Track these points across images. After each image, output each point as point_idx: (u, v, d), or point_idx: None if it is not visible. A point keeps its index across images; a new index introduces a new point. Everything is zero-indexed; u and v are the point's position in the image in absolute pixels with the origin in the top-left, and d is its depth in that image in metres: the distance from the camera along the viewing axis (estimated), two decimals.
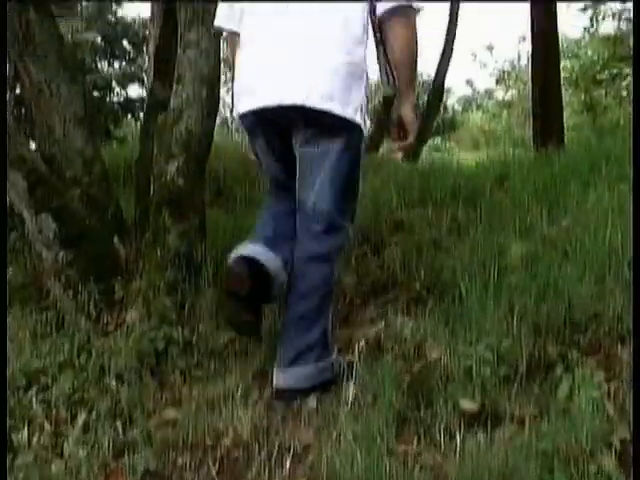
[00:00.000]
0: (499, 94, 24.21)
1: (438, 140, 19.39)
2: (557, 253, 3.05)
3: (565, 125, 21.45)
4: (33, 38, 3.94)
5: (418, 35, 2.84)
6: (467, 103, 24.60)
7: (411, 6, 2.80)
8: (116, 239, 3.86)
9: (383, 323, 3.07)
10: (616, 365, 2.47)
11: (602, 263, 2.79)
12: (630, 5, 23.72)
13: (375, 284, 3.61)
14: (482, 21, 37.00)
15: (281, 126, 2.81)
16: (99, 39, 23.70)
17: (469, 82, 24.73)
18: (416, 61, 2.90)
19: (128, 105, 23.96)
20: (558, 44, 8.65)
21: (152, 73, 4.80)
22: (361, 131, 2.82)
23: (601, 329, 2.58)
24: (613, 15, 23.77)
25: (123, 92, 24.48)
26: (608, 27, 24.20)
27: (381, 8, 2.76)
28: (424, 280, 3.41)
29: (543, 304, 2.73)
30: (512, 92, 22.99)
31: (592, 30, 24.09)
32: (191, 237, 3.64)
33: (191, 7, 3.75)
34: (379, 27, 2.82)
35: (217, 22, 3.09)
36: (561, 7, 24.34)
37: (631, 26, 23.47)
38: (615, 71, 22.05)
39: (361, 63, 2.81)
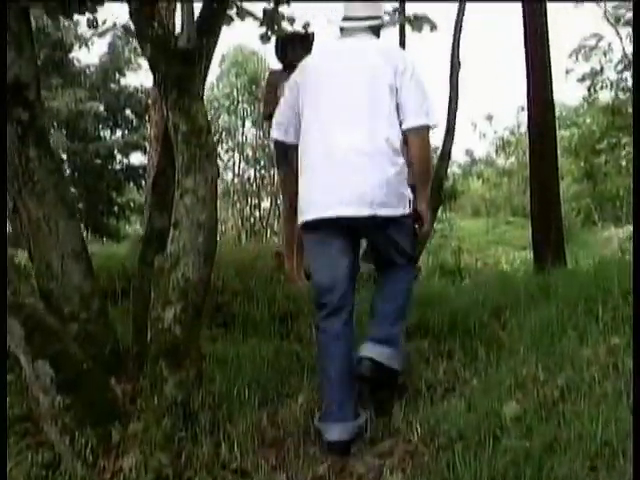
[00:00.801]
0: (499, 162, 24.36)
1: (439, 210, 19.48)
2: (550, 424, 3.04)
3: (566, 193, 21.51)
4: (32, 175, 3.99)
5: (430, 147, 3.94)
6: (467, 171, 24.75)
7: (427, 126, 3.74)
8: (113, 380, 3.87)
9: None
10: None
11: (596, 449, 2.77)
12: (626, 75, 24.07)
13: (372, 432, 3.61)
14: (481, 90, 37.36)
15: (349, 226, 3.64)
16: (102, 108, 23.93)
17: (468, 151, 24.86)
18: (430, 167, 4.05)
19: (130, 173, 24.14)
20: (554, 114, 8.71)
21: (150, 202, 4.83)
22: (410, 214, 3.74)
23: None
24: (611, 84, 24.09)
25: (125, 160, 24.68)
26: (606, 96, 24.41)
27: (404, 126, 3.67)
28: (420, 432, 3.39)
29: None
30: (511, 160, 23.13)
31: (590, 99, 24.39)
32: (188, 386, 3.64)
33: (188, 153, 3.79)
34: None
35: (272, 133, 4.12)
36: (560, 77, 24.67)
37: (629, 95, 23.78)
38: (614, 140, 22.19)
39: (403, 167, 3.69)
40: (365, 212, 3.55)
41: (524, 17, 8.62)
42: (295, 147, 3.93)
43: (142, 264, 4.41)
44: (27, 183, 3.99)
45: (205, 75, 4.66)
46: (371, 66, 3.73)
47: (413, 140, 3.70)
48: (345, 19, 3.93)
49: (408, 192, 3.72)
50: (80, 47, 23.48)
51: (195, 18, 4.43)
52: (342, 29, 3.97)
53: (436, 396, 3.78)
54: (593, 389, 3.20)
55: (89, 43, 23.34)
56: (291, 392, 3.99)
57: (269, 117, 6.79)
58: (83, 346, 3.88)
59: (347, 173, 3.58)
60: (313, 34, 6.78)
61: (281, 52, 6.75)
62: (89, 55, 35.72)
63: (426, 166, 3.88)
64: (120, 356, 4.15)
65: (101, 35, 22.61)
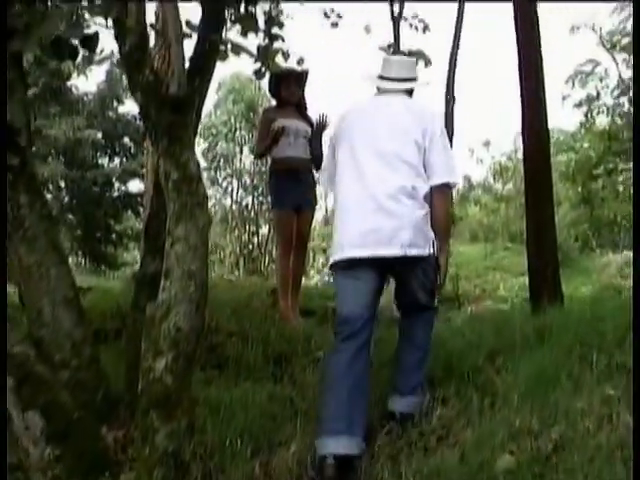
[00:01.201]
0: (497, 187, 24.30)
1: None
2: None
3: (564, 219, 21.46)
4: (23, 221, 3.97)
5: (452, 202, 4.25)
6: (464, 197, 24.71)
7: (449, 184, 4.20)
8: (104, 428, 3.84)
9: None
10: None
11: None
12: (623, 100, 24.15)
13: None
14: (479, 116, 37.40)
15: (380, 264, 3.99)
16: (100, 136, 24.00)
17: (466, 177, 24.83)
18: (450, 220, 4.41)
19: (128, 200, 24.19)
20: (549, 144, 8.66)
21: (143, 245, 4.82)
22: (434, 253, 4.07)
23: None
24: (607, 110, 24.16)
25: (123, 187, 24.73)
26: (603, 121, 24.47)
27: (431, 182, 4.10)
28: None
29: None
30: (509, 186, 23.09)
31: (587, 125, 24.43)
32: (180, 436, 3.59)
33: (179, 201, 3.77)
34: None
35: (321, 181, 4.75)
36: (557, 102, 24.75)
37: (625, 120, 23.84)
38: (611, 166, 22.19)
39: (428, 212, 4.08)
40: (397, 252, 3.92)
41: (518, 45, 8.61)
42: None
43: (135, 309, 4.39)
44: (18, 229, 3.97)
45: (199, 117, 4.67)
46: (402, 124, 4.16)
47: (438, 196, 4.12)
48: (384, 79, 4.40)
49: (432, 234, 4.08)
50: (78, 75, 23.53)
51: (187, 60, 4.44)
52: (379, 88, 4.43)
53: (429, 445, 3.74)
54: (587, 442, 3.17)
55: (87, 71, 23.40)
56: (284, 440, 3.94)
57: (262, 155, 6.79)
58: (74, 394, 3.85)
59: (379, 216, 3.96)
60: (307, 71, 6.78)
61: (275, 89, 6.74)
62: (87, 83, 35.82)
63: (447, 219, 4.32)
64: (112, 403, 4.11)
65: (99, 63, 22.76)
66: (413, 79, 4.43)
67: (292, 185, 6.39)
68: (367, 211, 3.99)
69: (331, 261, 4.16)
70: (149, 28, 5.56)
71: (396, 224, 3.94)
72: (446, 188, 4.20)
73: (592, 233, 21.50)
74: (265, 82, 7.03)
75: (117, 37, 3.96)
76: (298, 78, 6.71)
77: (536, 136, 8.45)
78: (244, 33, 5.53)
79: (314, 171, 6.69)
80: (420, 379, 4.18)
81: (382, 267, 4.02)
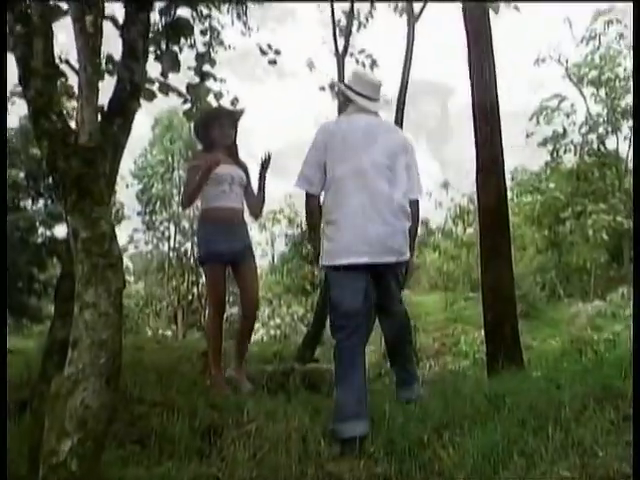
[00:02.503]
0: (458, 231, 24.45)
1: None
2: None
3: (529, 265, 21.60)
4: None
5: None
6: (423, 243, 24.82)
7: (418, 198, 5.32)
8: None
9: None
10: None
11: None
12: (592, 137, 24.53)
13: None
14: (436, 157, 37.88)
15: (370, 267, 4.97)
16: (22, 175, 23.66)
17: (424, 222, 24.99)
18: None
19: (53, 246, 23.78)
20: (506, 190, 8.82)
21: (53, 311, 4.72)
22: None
23: None
24: (575, 148, 24.45)
25: (48, 232, 24.35)
26: (571, 159, 24.79)
27: (409, 196, 5.21)
28: None
29: None
30: (470, 230, 23.23)
31: (553, 164, 24.72)
32: None
33: (89, 263, 3.68)
34: None
35: (300, 184, 5.17)
36: (519, 141, 25.06)
37: (594, 159, 24.23)
38: (579, 208, 22.44)
39: (409, 222, 5.19)
40: (393, 259, 5.02)
41: (472, 90, 8.76)
42: (318, 198, 5.20)
43: (42, 380, 4.27)
44: None
45: (116, 167, 4.62)
46: (395, 144, 5.17)
47: (415, 207, 5.26)
48: (363, 96, 5.19)
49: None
50: None
51: (105, 103, 4.40)
52: (354, 102, 5.21)
53: None
54: None
55: (9, 103, 23.13)
56: None
57: (191, 198, 6.52)
58: None
59: (382, 228, 4.91)
60: (242, 111, 6.66)
61: (204, 130, 6.54)
62: (9, 117, 35.34)
63: (418, 225, 5.42)
64: None
65: (21, 95, 22.56)
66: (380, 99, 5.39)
67: (225, 238, 6.27)
68: (372, 223, 4.90)
69: (331, 262, 5.00)
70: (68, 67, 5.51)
71: (393, 236, 4.97)
72: (419, 201, 5.32)
73: (560, 281, 21.72)
74: None
75: (21, 80, 3.90)
76: (232, 118, 6.59)
77: (492, 179, 8.58)
78: (165, 74, 5.47)
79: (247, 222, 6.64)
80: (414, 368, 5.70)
81: (375, 270, 4.98)
